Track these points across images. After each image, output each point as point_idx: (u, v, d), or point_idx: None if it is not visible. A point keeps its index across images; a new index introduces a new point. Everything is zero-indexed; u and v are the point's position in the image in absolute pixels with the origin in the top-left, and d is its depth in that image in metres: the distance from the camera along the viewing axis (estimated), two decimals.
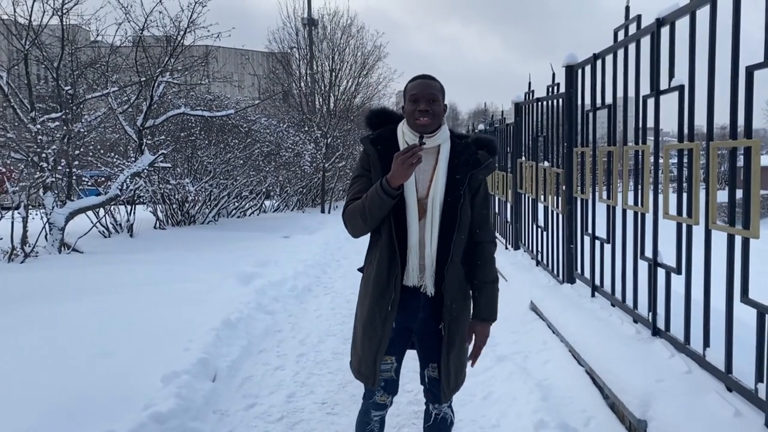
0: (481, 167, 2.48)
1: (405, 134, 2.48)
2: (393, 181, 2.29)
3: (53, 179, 9.56)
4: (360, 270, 2.66)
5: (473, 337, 2.60)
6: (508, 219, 8.73)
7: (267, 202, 19.42)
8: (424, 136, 2.40)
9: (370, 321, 2.50)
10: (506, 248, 8.71)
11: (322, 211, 19.51)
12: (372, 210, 2.36)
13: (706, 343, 3.27)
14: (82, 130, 10.59)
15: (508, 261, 7.51)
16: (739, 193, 3.04)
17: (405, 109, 2.47)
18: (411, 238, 2.44)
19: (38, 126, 9.29)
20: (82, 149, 10.52)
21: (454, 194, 2.44)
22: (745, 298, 2.89)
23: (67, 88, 10.57)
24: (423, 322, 2.55)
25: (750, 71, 2.83)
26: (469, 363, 2.61)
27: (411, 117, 2.43)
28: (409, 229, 2.44)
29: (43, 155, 9.22)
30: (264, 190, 18.09)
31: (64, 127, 9.86)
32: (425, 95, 2.40)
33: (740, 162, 3.04)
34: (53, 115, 9.99)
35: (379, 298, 2.47)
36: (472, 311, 2.61)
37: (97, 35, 12.66)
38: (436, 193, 2.44)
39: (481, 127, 12.05)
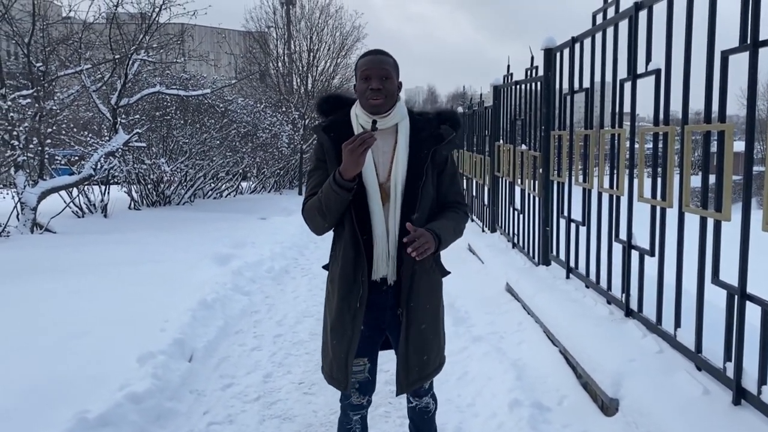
0: (444, 142, 2.28)
1: (359, 117, 2.27)
2: (346, 173, 2.08)
3: (25, 158, 9.37)
4: (325, 267, 2.45)
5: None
6: (485, 202, 8.78)
7: (244, 184, 19.27)
8: (377, 120, 2.17)
9: (340, 320, 2.29)
10: (483, 231, 8.76)
11: (300, 193, 19.42)
12: (329, 205, 2.15)
13: (678, 324, 3.33)
14: (54, 107, 10.37)
15: (484, 243, 7.56)
16: (712, 179, 3.09)
17: (357, 88, 2.25)
18: (376, 228, 2.21)
19: (9, 103, 9.08)
20: (54, 127, 10.31)
21: (416, 173, 2.23)
22: (716, 279, 2.95)
23: (38, 64, 10.33)
24: (391, 317, 2.33)
25: (725, 56, 2.86)
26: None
27: (363, 97, 2.21)
28: (374, 219, 2.21)
29: (15, 133, 9.02)
30: (241, 171, 17.94)
31: (36, 105, 9.65)
32: (377, 72, 2.18)
33: (714, 148, 3.08)
34: (24, 92, 9.77)
35: (346, 295, 2.27)
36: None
37: (70, 11, 12.42)
38: (398, 175, 2.22)
39: (459, 110, 12.04)
